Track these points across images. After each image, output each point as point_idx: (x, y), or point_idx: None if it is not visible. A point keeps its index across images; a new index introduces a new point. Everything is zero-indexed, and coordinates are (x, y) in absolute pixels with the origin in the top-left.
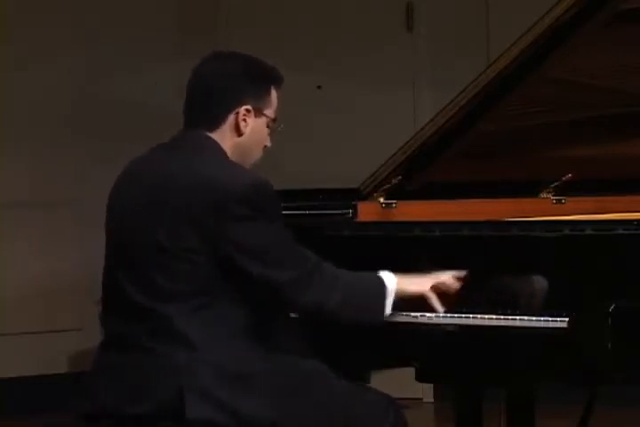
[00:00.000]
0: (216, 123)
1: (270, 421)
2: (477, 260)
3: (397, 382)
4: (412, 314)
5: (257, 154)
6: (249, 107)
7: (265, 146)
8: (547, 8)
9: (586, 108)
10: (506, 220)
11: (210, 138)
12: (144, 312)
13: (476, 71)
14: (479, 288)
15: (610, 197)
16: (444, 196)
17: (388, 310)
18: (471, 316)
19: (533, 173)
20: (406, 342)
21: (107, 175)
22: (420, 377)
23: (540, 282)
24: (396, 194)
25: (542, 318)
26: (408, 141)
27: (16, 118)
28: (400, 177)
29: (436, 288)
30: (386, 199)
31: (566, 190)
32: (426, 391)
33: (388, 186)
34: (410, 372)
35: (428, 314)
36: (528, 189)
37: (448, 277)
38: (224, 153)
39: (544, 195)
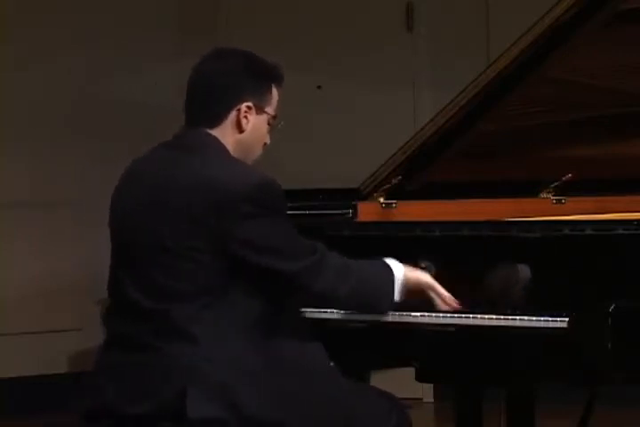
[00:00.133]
0: (217, 120)
1: (273, 420)
2: (477, 260)
3: (397, 382)
4: (412, 314)
5: (257, 151)
6: (250, 104)
7: (265, 143)
8: (547, 8)
9: (586, 108)
10: (506, 220)
11: (211, 135)
12: (147, 312)
13: (476, 71)
14: (479, 288)
15: (610, 197)
16: (444, 196)
17: (397, 296)
18: (471, 316)
19: (533, 173)
20: (406, 342)
21: (107, 175)
22: (420, 377)
23: (539, 282)
24: (396, 194)
25: (542, 318)
26: (408, 141)
27: (16, 118)
28: (400, 177)
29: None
30: (386, 199)
31: (566, 190)
32: (426, 391)
33: (387, 186)
34: (410, 372)
35: (428, 314)
36: (528, 189)
37: (446, 295)
38: (226, 151)
39: (544, 195)
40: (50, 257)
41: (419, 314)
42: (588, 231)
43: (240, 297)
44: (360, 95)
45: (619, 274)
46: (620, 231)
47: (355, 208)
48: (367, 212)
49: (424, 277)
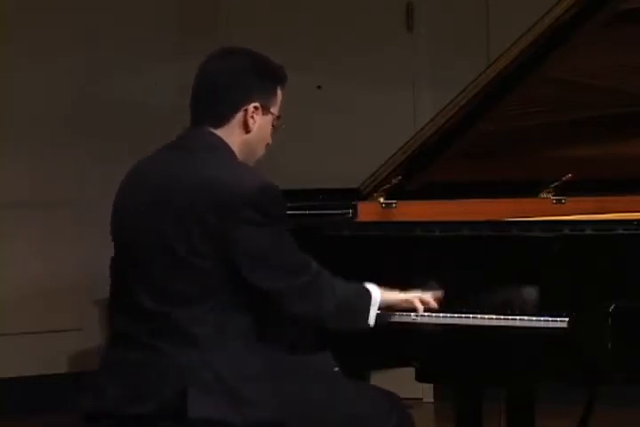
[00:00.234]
0: (224, 120)
1: (273, 421)
2: (477, 260)
3: (397, 382)
4: (412, 314)
5: (260, 151)
6: (257, 104)
7: (267, 143)
8: (547, 8)
9: (586, 108)
10: (506, 220)
11: (216, 135)
12: (149, 312)
13: (476, 71)
14: (479, 288)
15: (610, 197)
16: (444, 196)
17: (372, 321)
18: (471, 316)
19: (533, 173)
20: (406, 342)
21: (107, 175)
22: (420, 377)
23: (539, 282)
24: (396, 194)
25: (542, 318)
26: (408, 141)
27: (16, 118)
28: (400, 177)
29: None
30: (386, 199)
31: (566, 190)
32: (426, 391)
33: (387, 186)
34: (410, 372)
35: (427, 314)
36: (528, 189)
37: (427, 297)
38: (231, 151)
39: (544, 195)
40: (50, 257)
41: (419, 314)
42: (588, 231)
43: (241, 301)
44: (360, 95)
45: (619, 274)
46: (620, 231)
47: (355, 208)
48: (367, 212)
49: (398, 296)
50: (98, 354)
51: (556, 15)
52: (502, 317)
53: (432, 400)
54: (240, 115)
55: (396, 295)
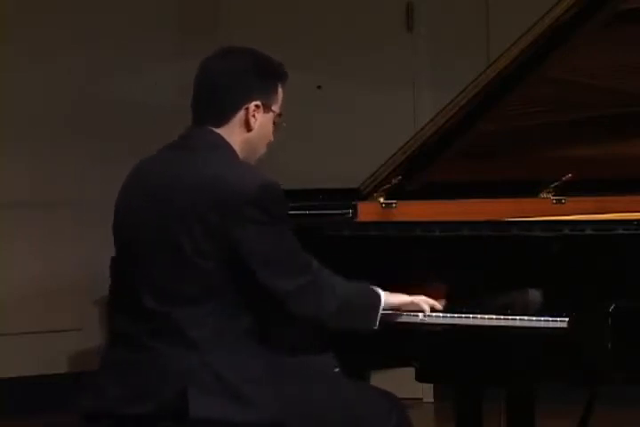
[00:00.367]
0: (225, 119)
1: (274, 421)
2: (477, 260)
3: (397, 382)
4: (412, 314)
5: (262, 149)
6: (258, 102)
7: (269, 141)
8: (547, 8)
9: (586, 108)
10: (506, 220)
11: (218, 134)
12: (149, 312)
13: (476, 71)
14: (479, 288)
15: (610, 197)
16: (444, 196)
17: (377, 323)
18: (471, 316)
19: (533, 173)
20: (406, 342)
21: (107, 175)
22: (420, 377)
23: (539, 282)
24: (396, 194)
25: (542, 318)
26: (408, 141)
27: (16, 118)
28: (400, 177)
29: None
30: (386, 199)
31: (566, 190)
32: (426, 391)
33: (387, 186)
34: (410, 372)
35: (427, 314)
36: (528, 189)
37: (425, 304)
38: (233, 150)
39: (544, 195)
40: (50, 257)
41: (419, 314)
42: (588, 231)
43: (242, 302)
44: (360, 95)
45: (619, 274)
46: (620, 231)
47: (355, 208)
48: (367, 212)
49: (403, 298)
50: (98, 354)
51: (556, 15)
52: (502, 317)
53: (432, 400)
54: (241, 113)
55: (400, 298)
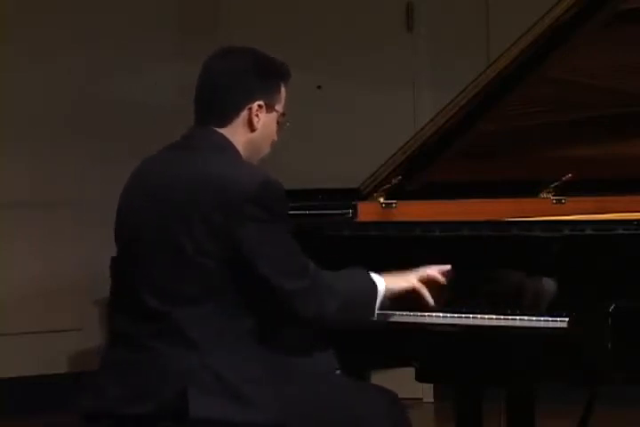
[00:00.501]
0: (228, 119)
1: (273, 422)
2: (477, 260)
3: (397, 382)
4: (412, 314)
5: (266, 149)
6: (261, 102)
7: (273, 141)
8: (547, 8)
9: (586, 108)
10: (506, 220)
11: (221, 134)
12: (149, 312)
13: (476, 71)
14: (479, 288)
15: (610, 197)
16: (444, 196)
17: (376, 310)
18: (471, 316)
19: (533, 173)
20: (406, 342)
21: (107, 175)
22: (420, 377)
23: (539, 282)
24: (396, 194)
25: (542, 318)
26: (408, 141)
27: (16, 118)
28: (400, 177)
29: (422, 281)
30: (386, 199)
31: (566, 190)
32: (426, 391)
33: (387, 186)
34: (410, 372)
35: (428, 314)
36: (528, 189)
37: (432, 271)
38: (236, 150)
39: (544, 195)
40: (50, 257)
41: (419, 314)
42: (588, 231)
43: (243, 303)
44: (360, 95)
45: (619, 274)
46: (620, 231)
47: (355, 208)
48: (367, 212)
49: (408, 282)
50: (98, 354)
51: (556, 15)
52: (502, 317)
53: (432, 400)
54: (244, 114)
55: (400, 284)
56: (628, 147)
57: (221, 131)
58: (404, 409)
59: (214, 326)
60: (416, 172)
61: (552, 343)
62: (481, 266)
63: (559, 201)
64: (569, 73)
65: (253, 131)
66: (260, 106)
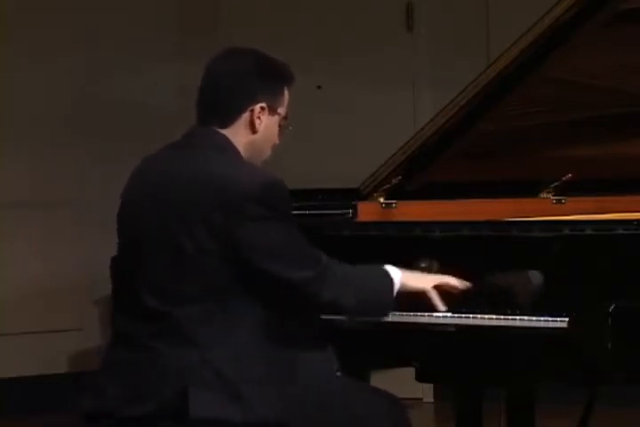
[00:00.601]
0: (230, 120)
1: (274, 421)
2: (477, 260)
3: (397, 382)
4: (412, 314)
5: (267, 151)
6: (264, 104)
7: (274, 144)
8: (547, 8)
9: (586, 108)
10: (506, 220)
11: (222, 135)
12: (150, 312)
13: (476, 71)
14: (479, 288)
15: (610, 197)
16: (444, 196)
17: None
18: (471, 316)
19: (533, 173)
20: (406, 342)
21: (107, 175)
22: (420, 377)
23: (539, 282)
24: (396, 194)
25: (542, 318)
26: (408, 141)
27: (16, 118)
28: (400, 177)
29: (438, 287)
30: (386, 199)
31: (566, 190)
32: (426, 391)
33: (387, 186)
34: (410, 372)
35: (428, 314)
36: (528, 189)
37: (453, 279)
38: (237, 151)
39: (544, 195)
40: (50, 257)
41: (419, 314)
42: (588, 231)
43: (245, 302)
44: (360, 95)
45: (619, 274)
46: (620, 231)
47: (355, 208)
48: (367, 212)
49: (422, 283)
50: (98, 354)
51: (556, 15)
52: (502, 317)
53: (432, 400)
54: (246, 115)
55: (416, 283)
56: (628, 147)
57: (223, 132)
58: (404, 409)
59: (215, 326)
60: (416, 172)
61: (552, 343)
62: (481, 266)
63: (559, 201)
64: (569, 73)
65: (255, 133)
66: (262, 108)
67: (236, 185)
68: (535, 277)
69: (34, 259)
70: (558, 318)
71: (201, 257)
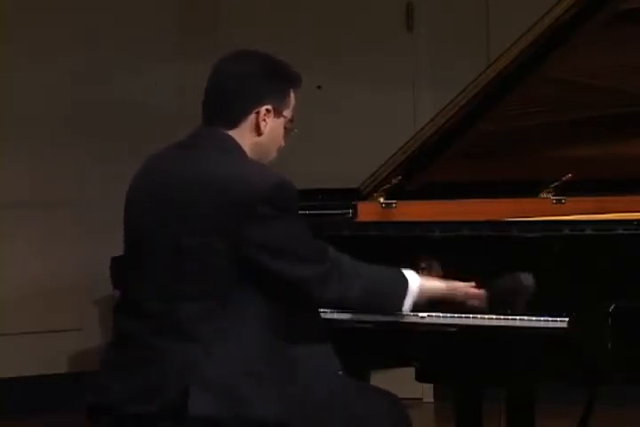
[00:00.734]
0: (235, 121)
1: (274, 420)
2: (477, 260)
3: (397, 382)
4: (413, 314)
5: (272, 154)
6: (270, 107)
7: (280, 146)
8: (547, 8)
9: (586, 108)
10: (506, 220)
11: (228, 135)
12: (153, 311)
13: (476, 71)
14: (479, 288)
15: (610, 197)
16: (444, 196)
17: (407, 307)
18: (471, 316)
19: (533, 173)
20: (406, 342)
21: (107, 175)
22: (420, 377)
23: (539, 282)
24: (396, 194)
25: (542, 318)
26: (408, 141)
27: (16, 118)
28: (400, 177)
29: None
30: (386, 199)
31: (566, 190)
32: (426, 391)
33: (387, 186)
34: (410, 372)
35: (428, 314)
36: (528, 189)
37: (472, 289)
38: (242, 151)
39: (544, 195)
40: (50, 257)
41: (419, 314)
42: (588, 231)
43: (247, 301)
44: (360, 95)
45: (619, 274)
46: (620, 231)
47: (355, 208)
48: (367, 212)
49: (440, 287)
50: (98, 354)
51: (556, 15)
52: (502, 317)
53: (432, 400)
54: (252, 117)
55: (438, 287)
56: (628, 147)
57: (229, 133)
58: (405, 409)
59: (218, 324)
60: (416, 172)
61: (552, 343)
62: (481, 266)
63: (559, 201)
64: (569, 73)
65: (260, 135)
66: (267, 110)
67: (245, 185)
68: (527, 278)
69: (34, 259)
70: (558, 318)
71: (204, 256)
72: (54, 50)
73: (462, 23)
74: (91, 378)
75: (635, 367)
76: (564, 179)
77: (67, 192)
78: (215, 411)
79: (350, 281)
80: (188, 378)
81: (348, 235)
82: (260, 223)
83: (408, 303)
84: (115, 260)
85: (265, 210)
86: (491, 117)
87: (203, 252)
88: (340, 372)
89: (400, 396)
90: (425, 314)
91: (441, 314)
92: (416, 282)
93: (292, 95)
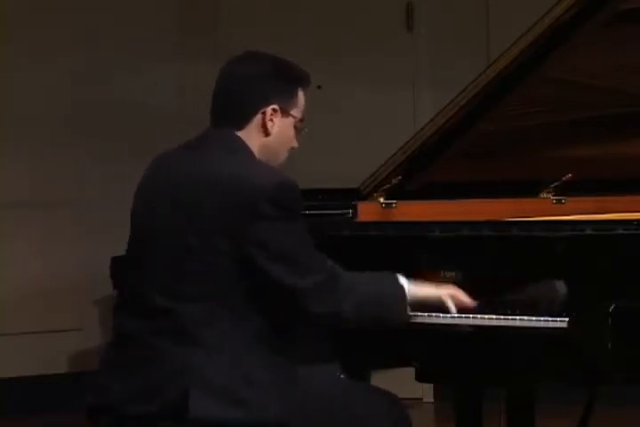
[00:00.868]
0: (242, 122)
1: (274, 422)
2: (477, 260)
3: (397, 382)
4: (413, 314)
5: (283, 155)
6: (276, 106)
7: (292, 147)
8: (547, 8)
9: (586, 108)
10: (506, 220)
11: (236, 136)
12: (154, 311)
13: (476, 71)
14: (479, 288)
15: (610, 197)
16: (444, 196)
17: (407, 317)
18: (471, 316)
19: (533, 173)
20: (406, 342)
21: (107, 175)
22: (420, 377)
23: (540, 282)
24: (396, 194)
25: (542, 318)
26: (408, 141)
27: (16, 118)
28: (400, 177)
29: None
30: (386, 199)
31: (566, 190)
32: (426, 391)
33: (387, 186)
34: (410, 372)
35: (427, 314)
36: (528, 189)
37: (463, 295)
38: (250, 151)
39: (544, 195)
40: (50, 257)
41: (419, 314)
42: (588, 231)
43: (248, 303)
44: (360, 95)
45: (619, 274)
46: (620, 231)
47: (355, 208)
48: (367, 212)
49: (433, 292)
50: (98, 354)
51: (556, 15)
52: (502, 317)
53: (432, 400)
54: (258, 117)
55: (427, 291)
56: (628, 147)
57: (237, 134)
58: (405, 409)
59: (219, 326)
60: (416, 172)
61: (552, 343)
62: (481, 266)
63: (559, 201)
64: (569, 73)
65: (268, 135)
66: (274, 110)
67: (249, 184)
68: (539, 282)
69: (34, 259)
70: (558, 318)
71: (207, 257)
72: (54, 50)
73: (462, 23)
74: (91, 378)
75: (635, 367)
76: (564, 179)
77: (67, 192)
78: (216, 413)
79: (344, 300)
80: (189, 379)
81: (348, 235)
82: (262, 222)
83: (405, 317)
84: (115, 260)
85: (268, 209)
86: (491, 117)
87: (206, 252)
88: (342, 376)
89: (400, 396)
90: (425, 314)
91: (441, 314)
92: (405, 291)
93: (299, 95)
